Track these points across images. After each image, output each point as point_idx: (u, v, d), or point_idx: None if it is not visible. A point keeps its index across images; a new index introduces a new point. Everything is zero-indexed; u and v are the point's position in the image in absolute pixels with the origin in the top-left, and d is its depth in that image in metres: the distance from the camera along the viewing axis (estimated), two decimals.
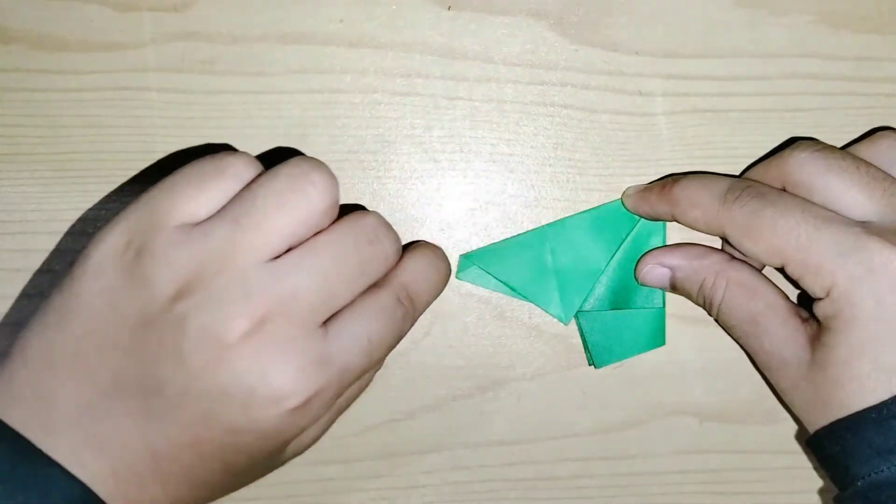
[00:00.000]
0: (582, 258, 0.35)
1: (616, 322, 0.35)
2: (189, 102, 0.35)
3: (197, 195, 0.26)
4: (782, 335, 0.31)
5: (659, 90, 0.35)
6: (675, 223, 0.34)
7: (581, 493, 0.36)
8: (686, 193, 0.32)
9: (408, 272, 0.29)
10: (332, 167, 0.35)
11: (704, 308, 0.33)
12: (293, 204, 0.26)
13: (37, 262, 0.35)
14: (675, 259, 0.33)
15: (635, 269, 0.34)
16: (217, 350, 0.25)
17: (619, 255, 0.35)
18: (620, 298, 0.35)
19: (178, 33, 0.34)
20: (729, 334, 0.33)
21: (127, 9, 0.34)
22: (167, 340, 0.25)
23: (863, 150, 0.32)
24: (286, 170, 0.26)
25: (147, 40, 0.35)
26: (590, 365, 0.35)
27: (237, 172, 0.26)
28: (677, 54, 0.35)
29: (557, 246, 0.35)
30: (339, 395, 0.27)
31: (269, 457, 0.28)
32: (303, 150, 0.35)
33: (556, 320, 0.35)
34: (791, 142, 0.34)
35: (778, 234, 0.29)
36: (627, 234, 0.34)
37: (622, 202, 0.35)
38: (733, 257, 0.33)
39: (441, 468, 0.35)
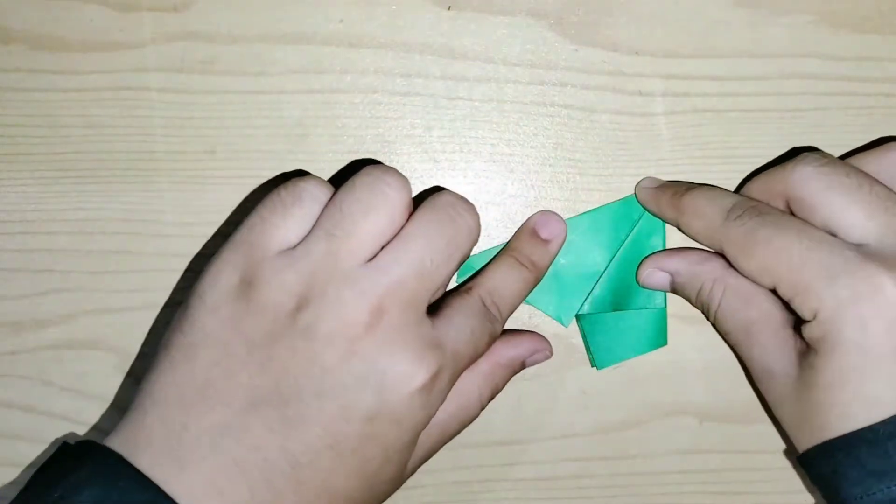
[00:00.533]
0: (581, 260, 0.35)
1: (618, 323, 0.35)
2: (189, 102, 0.35)
3: (285, 223, 0.28)
4: (772, 347, 0.30)
5: (659, 90, 0.35)
6: (674, 228, 0.34)
7: (581, 493, 0.36)
8: (693, 204, 0.32)
9: (489, 280, 0.32)
10: (332, 167, 0.35)
11: (702, 313, 0.33)
12: (376, 207, 0.28)
13: (36, 261, 0.35)
14: (674, 263, 0.33)
15: (636, 273, 0.34)
16: (347, 344, 0.27)
17: (619, 257, 0.35)
18: (621, 299, 0.35)
19: (178, 33, 0.34)
20: (724, 340, 0.33)
21: (127, 9, 0.34)
22: (299, 347, 0.27)
23: (871, 161, 0.31)
24: (361, 179, 0.29)
25: (147, 40, 0.35)
26: (592, 366, 0.35)
27: (313, 195, 0.29)
28: (677, 54, 0.35)
29: None
30: (452, 382, 0.29)
31: (399, 453, 0.29)
32: (303, 151, 0.35)
33: (555, 324, 0.35)
34: (794, 151, 0.34)
35: (771, 252, 0.29)
36: (627, 236, 0.34)
37: (635, 191, 0.35)
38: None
39: (441, 468, 0.35)
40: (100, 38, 0.35)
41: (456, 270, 0.30)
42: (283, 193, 0.29)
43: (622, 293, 0.35)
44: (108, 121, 0.35)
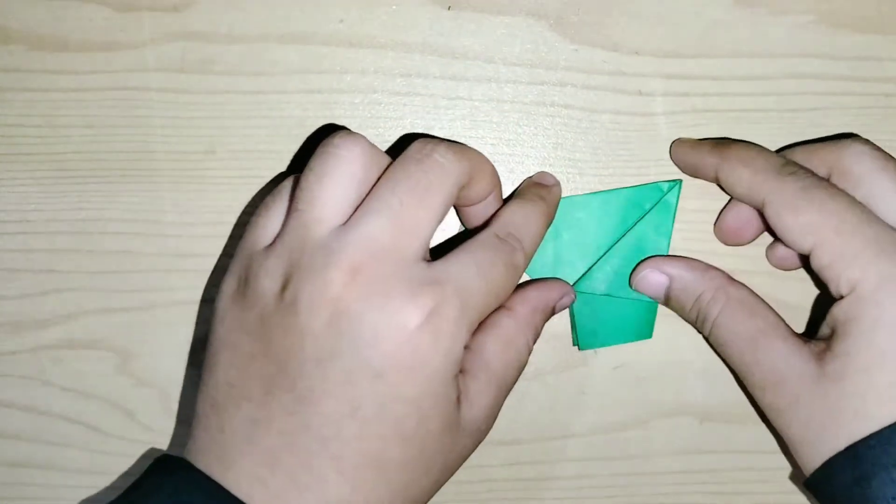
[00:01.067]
0: (582, 239, 0.35)
1: (608, 308, 0.35)
2: (189, 102, 0.35)
3: (265, 222, 0.29)
4: (783, 351, 0.30)
5: (659, 90, 0.35)
6: (676, 228, 0.34)
7: (581, 493, 0.36)
8: (742, 152, 0.32)
9: (500, 217, 0.31)
10: None
11: (695, 323, 0.33)
12: (328, 171, 0.28)
13: (37, 261, 0.35)
14: (675, 268, 0.33)
15: (630, 275, 0.34)
16: (328, 307, 0.27)
17: (622, 243, 0.34)
18: (618, 286, 0.35)
19: (177, 33, 0.34)
20: (717, 351, 0.33)
21: (127, 9, 0.34)
22: (288, 324, 0.27)
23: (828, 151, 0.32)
24: (315, 154, 0.29)
25: (147, 40, 0.35)
26: (574, 345, 0.35)
27: (287, 187, 0.29)
28: (677, 54, 0.35)
29: (562, 220, 0.34)
30: (469, 319, 0.28)
31: (435, 406, 0.27)
32: (302, 151, 0.35)
33: (556, 321, 0.35)
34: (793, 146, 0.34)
35: (822, 213, 0.29)
36: (634, 224, 0.34)
37: (671, 147, 0.34)
38: (732, 278, 0.33)
39: None
40: (100, 38, 0.35)
41: (443, 215, 0.29)
42: (268, 198, 0.30)
43: (617, 280, 0.35)
44: (108, 121, 0.35)
